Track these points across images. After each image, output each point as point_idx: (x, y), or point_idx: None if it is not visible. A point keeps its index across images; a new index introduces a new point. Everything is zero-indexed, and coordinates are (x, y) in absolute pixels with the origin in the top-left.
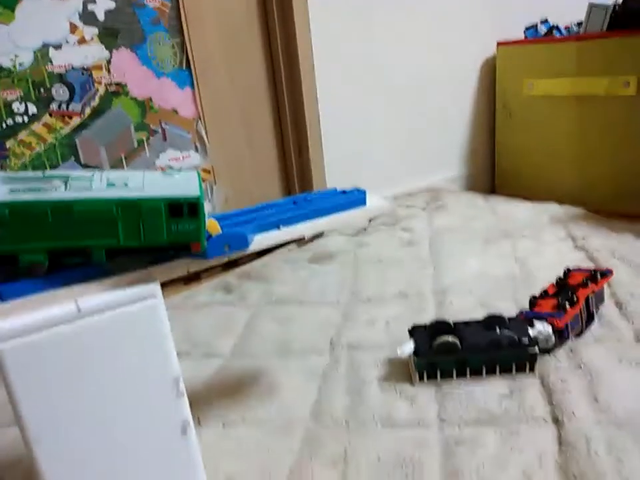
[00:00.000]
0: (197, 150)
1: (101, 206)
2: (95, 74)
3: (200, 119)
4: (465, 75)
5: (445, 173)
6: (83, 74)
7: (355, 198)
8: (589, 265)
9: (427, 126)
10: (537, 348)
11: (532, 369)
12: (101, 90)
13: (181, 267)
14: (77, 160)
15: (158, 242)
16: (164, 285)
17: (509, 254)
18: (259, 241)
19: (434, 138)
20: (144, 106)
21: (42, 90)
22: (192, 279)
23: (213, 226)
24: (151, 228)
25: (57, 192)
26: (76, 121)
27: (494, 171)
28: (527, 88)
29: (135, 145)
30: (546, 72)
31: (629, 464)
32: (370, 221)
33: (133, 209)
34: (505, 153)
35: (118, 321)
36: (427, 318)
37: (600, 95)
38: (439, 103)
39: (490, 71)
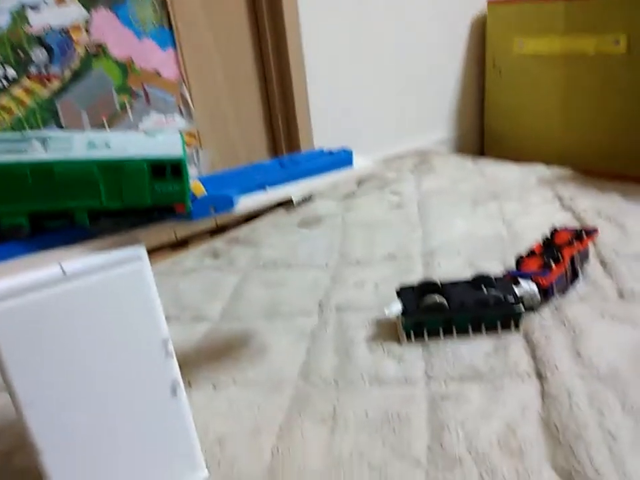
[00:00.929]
0: (181, 113)
1: (81, 167)
2: (74, 35)
3: (183, 81)
4: (455, 34)
5: (434, 135)
6: (61, 35)
7: (342, 158)
8: (576, 225)
9: (415, 87)
10: (522, 306)
11: (517, 327)
12: (81, 52)
13: (166, 229)
14: (58, 124)
15: (141, 203)
16: (151, 252)
17: (496, 215)
18: (245, 202)
19: (423, 99)
20: (125, 68)
21: (20, 53)
22: (179, 245)
23: (197, 187)
24: (134, 189)
25: (36, 153)
26: (56, 84)
27: (483, 132)
28: (518, 47)
29: (117, 108)
30: (536, 30)
31: (610, 416)
32: (358, 184)
33: (115, 169)
34: (494, 113)
35: (104, 284)
36: (415, 279)
37: (590, 54)
38: (428, 64)
39: (480, 30)
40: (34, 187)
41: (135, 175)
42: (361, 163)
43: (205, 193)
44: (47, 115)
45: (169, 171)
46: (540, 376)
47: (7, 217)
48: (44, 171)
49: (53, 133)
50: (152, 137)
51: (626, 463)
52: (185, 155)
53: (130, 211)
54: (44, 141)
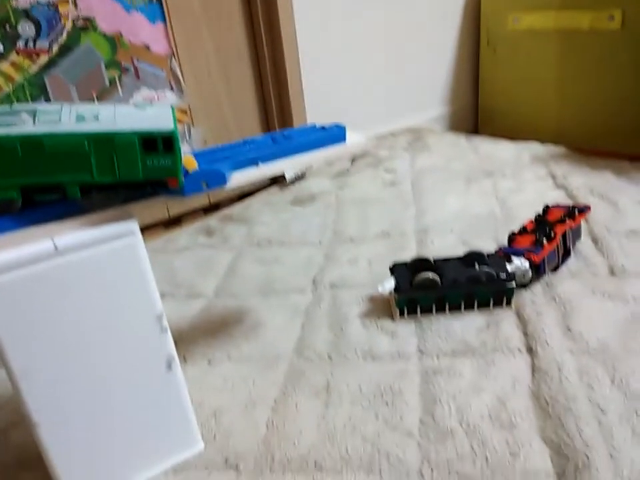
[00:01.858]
0: (172, 89)
1: (71, 140)
2: (62, 8)
3: (174, 55)
4: (449, 10)
5: (428, 113)
6: (49, 8)
7: (335, 134)
8: (569, 203)
9: (409, 65)
10: (514, 283)
11: (509, 303)
12: (68, 25)
13: (158, 205)
14: (47, 100)
15: (133, 178)
16: (144, 229)
17: (490, 193)
18: (237, 178)
19: (417, 77)
20: (114, 42)
21: (7, 27)
22: (172, 222)
23: (189, 162)
24: (125, 163)
25: (25, 126)
26: (44, 58)
27: (477, 110)
28: (512, 22)
29: (107, 83)
30: (531, 6)
31: (599, 390)
32: (352, 161)
33: (105, 143)
34: (489, 90)
35: (97, 259)
36: (408, 256)
37: (584, 29)
38: (422, 40)
39: (474, 5)
40: (24, 160)
41: (126, 148)
42: (354, 138)
43: (197, 167)
44: (36, 90)
45: (161, 144)
46: (531, 351)
47: None
48: (34, 144)
49: (41, 105)
50: (142, 110)
51: (614, 435)
52: (176, 128)
53: (122, 185)
54: (33, 114)
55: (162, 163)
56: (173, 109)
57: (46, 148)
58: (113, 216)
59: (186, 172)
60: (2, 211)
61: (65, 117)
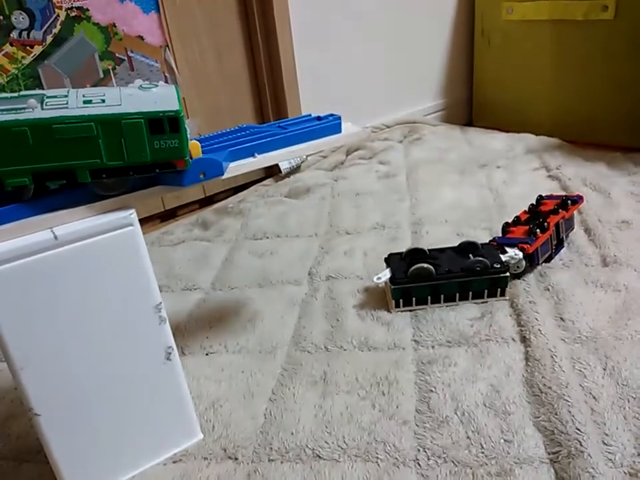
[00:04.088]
0: (166, 80)
1: (79, 124)
2: None
3: (168, 46)
4: (443, 2)
5: (422, 105)
6: None
7: (330, 124)
8: (562, 194)
9: (403, 57)
10: (507, 272)
11: (503, 293)
12: (62, 16)
13: (156, 194)
14: None
15: (141, 160)
16: (139, 222)
17: (484, 184)
18: (234, 168)
19: (411, 69)
20: (107, 32)
21: (1, 17)
22: (168, 216)
23: (195, 148)
24: (133, 145)
25: (34, 112)
26: (38, 49)
27: (471, 102)
28: (506, 12)
29: (101, 74)
30: None
31: (591, 377)
32: (347, 154)
33: (112, 125)
34: (483, 83)
35: (96, 249)
36: (404, 248)
37: (578, 19)
38: (416, 33)
39: None
40: (34, 145)
41: (133, 130)
42: (349, 128)
43: (201, 154)
44: (30, 81)
45: (167, 126)
46: (524, 340)
47: (10, 177)
48: (43, 129)
49: (48, 91)
50: (147, 91)
51: (606, 422)
52: (182, 108)
53: (131, 169)
54: (41, 99)
55: (169, 144)
56: (177, 89)
57: (55, 132)
58: (112, 206)
59: (190, 157)
60: (15, 198)
61: (72, 101)
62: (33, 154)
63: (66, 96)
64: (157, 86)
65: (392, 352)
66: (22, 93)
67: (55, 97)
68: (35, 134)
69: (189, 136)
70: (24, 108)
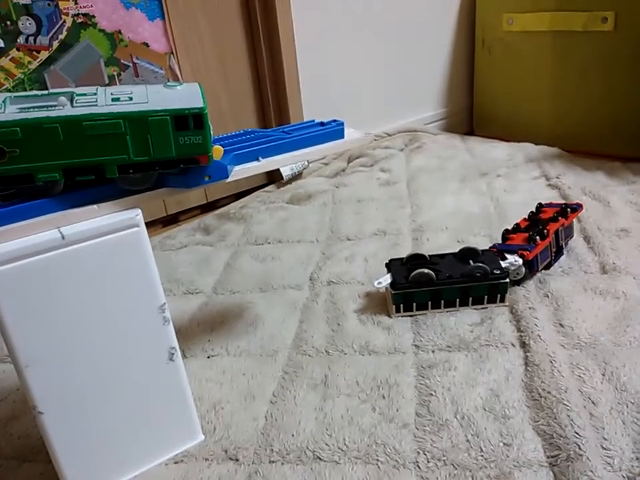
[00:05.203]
0: None
1: (108, 121)
2: (62, 5)
3: (172, 53)
4: (445, 12)
5: (424, 114)
6: (49, 5)
7: (334, 129)
8: (562, 202)
9: (405, 66)
10: (507, 279)
11: (502, 299)
12: (68, 22)
13: (162, 196)
14: None
15: (167, 156)
16: None
17: (484, 192)
18: (238, 171)
19: (412, 78)
20: (113, 39)
21: (8, 23)
22: (170, 221)
23: (217, 151)
24: (159, 141)
25: (64, 109)
26: (44, 55)
27: (472, 111)
28: (507, 23)
29: (106, 80)
30: (526, 7)
31: (590, 382)
32: (348, 161)
33: (139, 122)
34: (484, 92)
35: (102, 249)
36: (404, 254)
37: (578, 31)
38: (417, 42)
39: (469, 6)
40: (65, 142)
41: (159, 127)
42: (352, 134)
43: (221, 158)
44: (36, 86)
45: (191, 123)
46: (524, 345)
47: (42, 172)
48: (73, 126)
49: (78, 89)
50: (172, 88)
51: (605, 426)
52: (206, 105)
53: (157, 164)
54: (71, 97)
55: (193, 140)
56: (201, 86)
57: (85, 129)
58: (119, 207)
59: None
60: (46, 192)
61: (101, 99)
62: (63, 150)
63: (95, 94)
64: (181, 84)
65: (392, 356)
66: (52, 90)
67: (85, 94)
68: (65, 130)
69: None
70: (55, 105)
